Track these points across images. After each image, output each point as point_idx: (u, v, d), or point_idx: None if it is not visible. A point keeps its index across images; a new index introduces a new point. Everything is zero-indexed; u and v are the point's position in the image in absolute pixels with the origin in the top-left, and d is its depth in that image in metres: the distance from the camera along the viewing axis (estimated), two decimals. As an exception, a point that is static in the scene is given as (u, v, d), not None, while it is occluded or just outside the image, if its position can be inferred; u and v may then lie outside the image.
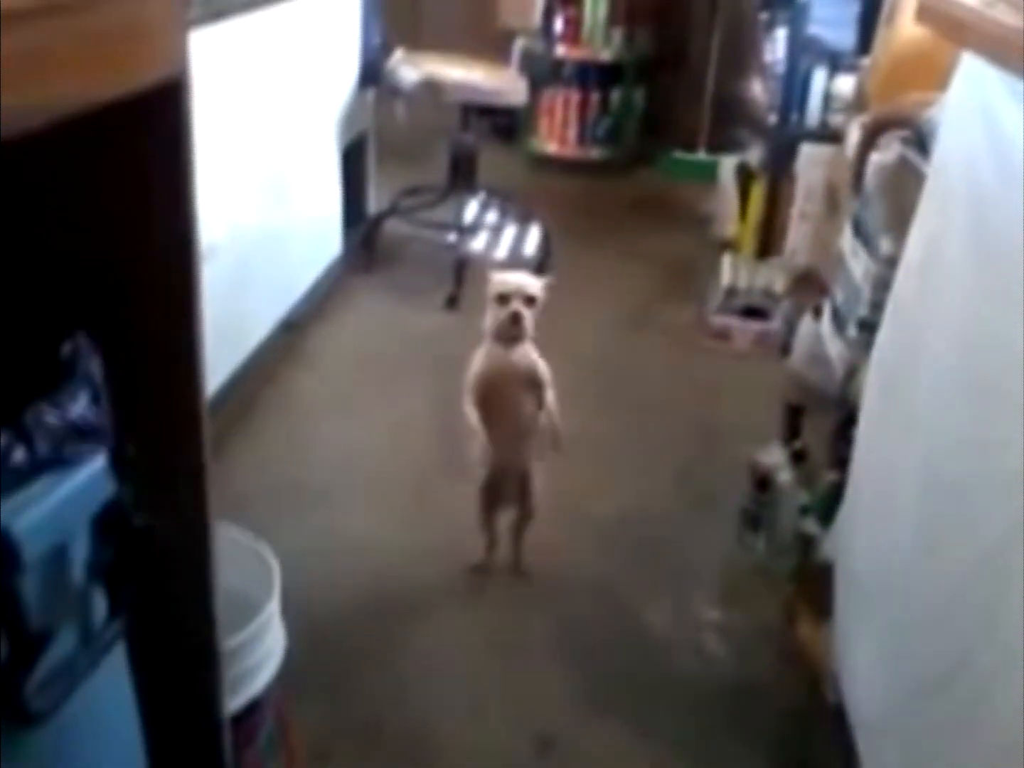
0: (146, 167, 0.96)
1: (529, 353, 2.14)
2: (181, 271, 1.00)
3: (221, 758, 1.25)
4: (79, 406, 0.80)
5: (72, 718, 0.83)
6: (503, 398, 2.12)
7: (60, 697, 0.80)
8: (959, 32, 1.46)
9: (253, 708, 1.42)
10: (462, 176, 3.99)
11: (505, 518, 2.30)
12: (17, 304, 0.90)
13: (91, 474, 0.82)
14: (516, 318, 2.09)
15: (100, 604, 0.88)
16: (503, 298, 2.10)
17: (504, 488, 2.24)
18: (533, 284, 2.13)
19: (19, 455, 0.74)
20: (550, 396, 2.14)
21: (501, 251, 4.15)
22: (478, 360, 2.14)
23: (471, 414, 2.09)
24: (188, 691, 1.19)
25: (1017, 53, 1.21)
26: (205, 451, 1.07)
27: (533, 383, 2.13)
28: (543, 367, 2.14)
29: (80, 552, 0.84)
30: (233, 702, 1.33)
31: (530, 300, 2.10)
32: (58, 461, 0.78)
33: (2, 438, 0.74)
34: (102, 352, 0.88)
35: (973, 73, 1.44)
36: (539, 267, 3.86)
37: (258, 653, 1.43)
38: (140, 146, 0.95)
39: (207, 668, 1.19)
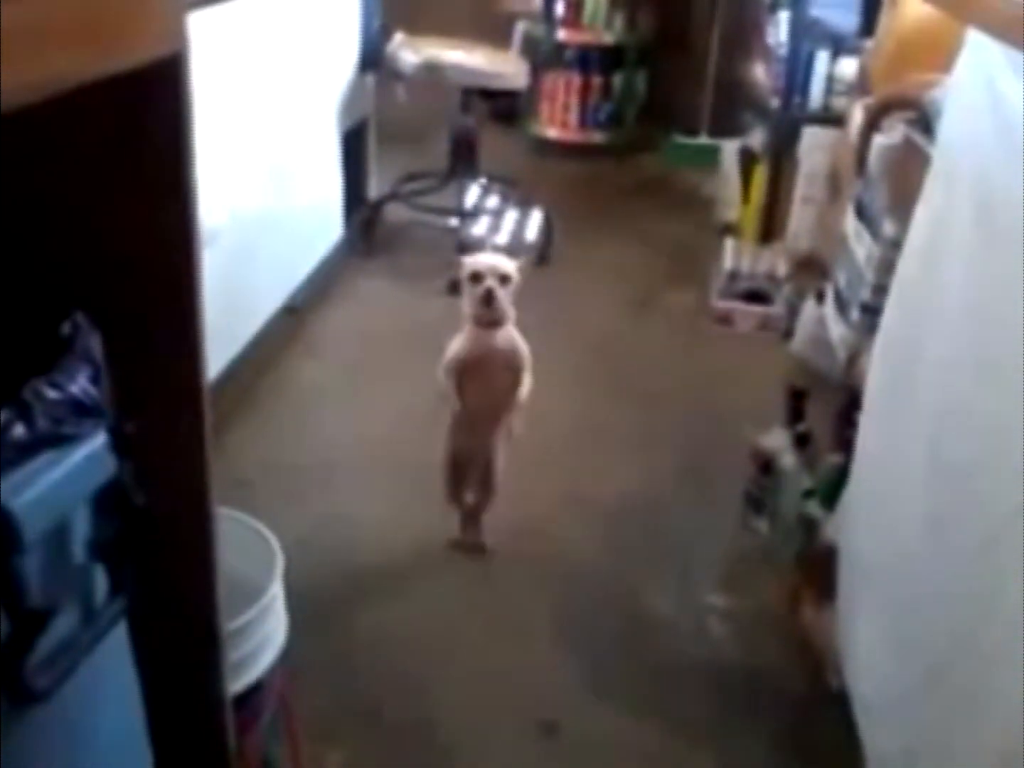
0: (146, 145, 0.95)
1: (512, 336, 2.12)
2: (182, 251, 0.99)
3: (223, 740, 1.25)
4: (79, 383, 0.79)
5: (73, 697, 0.82)
6: (481, 381, 2.10)
7: (61, 676, 0.80)
8: (964, 9, 1.45)
9: (255, 690, 1.42)
10: (463, 160, 3.97)
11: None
12: (17, 282, 0.90)
13: (91, 451, 0.81)
14: (489, 295, 2.05)
15: (101, 583, 0.88)
16: (476, 277, 2.07)
17: (469, 468, 2.24)
18: (507, 263, 2.11)
19: (19, 431, 0.74)
20: (526, 380, 2.12)
21: (502, 236, 4.14)
22: (457, 342, 2.11)
23: (450, 394, 2.08)
24: (191, 673, 1.19)
25: (1021, 29, 1.20)
26: (207, 431, 1.06)
27: (513, 366, 2.11)
28: (524, 350, 2.12)
29: (80, 530, 0.84)
30: (235, 684, 1.32)
31: (504, 278, 2.07)
32: (58, 438, 0.77)
33: (2, 414, 0.74)
34: (104, 332, 0.88)
35: (978, 52, 1.43)
36: (541, 252, 3.86)
37: (260, 636, 1.43)
38: (140, 124, 0.94)
39: (209, 650, 1.19)
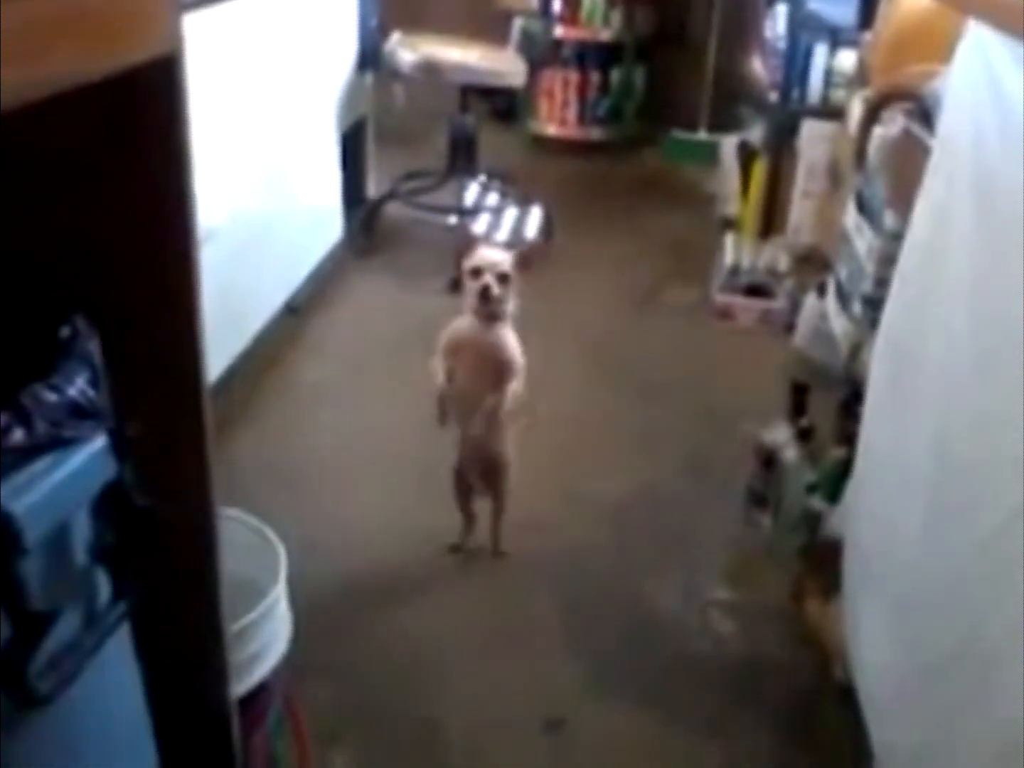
0: (143, 146, 0.95)
1: (506, 337, 2.10)
2: (180, 251, 0.99)
3: (229, 741, 1.25)
4: (77, 386, 0.79)
5: (77, 700, 0.82)
6: (469, 365, 2.09)
7: (64, 679, 0.80)
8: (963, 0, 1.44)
9: (260, 691, 1.42)
10: (462, 158, 3.97)
11: (484, 503, 2.28)
12: (15, 285, 0.89)
13: (91, 454, 0.81)
14: (485, 292, 2.05)
15: (103, 586, 0.88)
16: (476, 272, 2.08)
17: (473, 471, 2.21)
18: (508, 262, 2.10)
19: (18, 435, 0.73)
20: (515, 386, 2.08)
21: (502, 233, 4.13)
22: (452, 326, 2.12)
23: (438, 371, 2.08)
24: (195, 674, 1.19)
25: (1021, 18, 1.19)
26: (208, 433, 1.06)
27: (498, 365, 2.09)
28: (516, 354, 2.10)
29: (82, 533, 0.84)
30: (240, 685, 1.32)
31: (503, 277, 2.07)
32: (58, 441, 0.77)
33: (1, 419, 0.73)
34: (103, 333, 0.88)
35: (978, 42, 1.42)
36: (542, 248, 3.85)
37: (265, 636, 1.43)
38: (136, 124, 0.94)
39: (213, 651, 1.19)
